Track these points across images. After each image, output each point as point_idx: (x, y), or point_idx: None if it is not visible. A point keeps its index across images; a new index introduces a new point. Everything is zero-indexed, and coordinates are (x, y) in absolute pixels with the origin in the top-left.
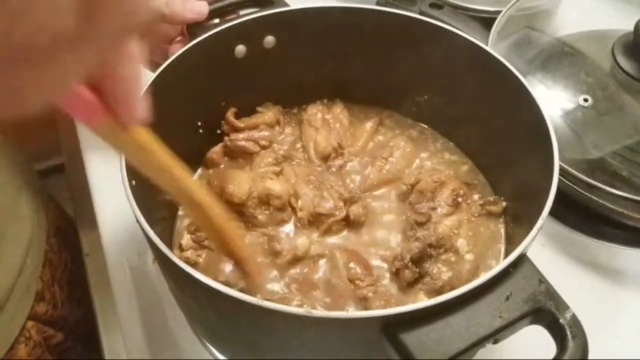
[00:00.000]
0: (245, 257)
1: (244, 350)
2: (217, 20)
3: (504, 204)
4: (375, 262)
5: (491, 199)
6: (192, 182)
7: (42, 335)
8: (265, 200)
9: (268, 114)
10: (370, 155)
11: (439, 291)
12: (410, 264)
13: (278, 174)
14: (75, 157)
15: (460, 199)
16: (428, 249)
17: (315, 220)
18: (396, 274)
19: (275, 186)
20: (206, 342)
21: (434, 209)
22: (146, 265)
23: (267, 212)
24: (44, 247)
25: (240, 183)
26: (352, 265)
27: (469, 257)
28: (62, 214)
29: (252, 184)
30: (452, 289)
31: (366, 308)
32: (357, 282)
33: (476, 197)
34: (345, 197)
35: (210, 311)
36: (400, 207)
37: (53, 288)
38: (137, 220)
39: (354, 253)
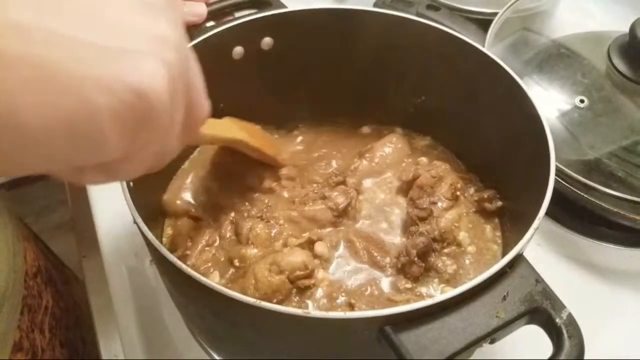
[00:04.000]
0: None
1: (241, 350)
2: (212, 23)
3: (499, 203)
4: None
5: (485, 195)
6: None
7: None
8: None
9: None
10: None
11: (447, 283)
12: (416, 259)
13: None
14: None
15: (458, 193)
16: (433, 243)
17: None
18: (402, 270)
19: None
20: (203, 343)
21: (434, 203)
22: (143, 266)
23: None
24: (21, 293)
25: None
26: (370, 249)
27: (471, 249)
28: (42, 251)
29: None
30: (457, 281)
31: (393, 288)
32: (380, 263)
33: (472, 190)
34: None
35: (207, 312)
36: (397, 203)
37: (33, 335)
38: (135, 221)
39: (369, 237)
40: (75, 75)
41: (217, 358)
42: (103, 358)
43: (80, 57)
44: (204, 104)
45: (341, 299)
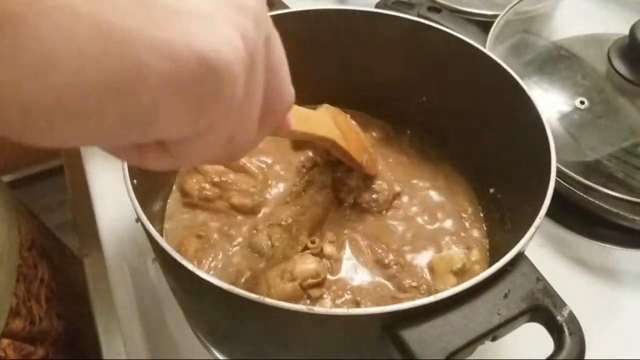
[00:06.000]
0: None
1: (244, 349)
2: None
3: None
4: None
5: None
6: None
7: (20, 353)
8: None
9: None
10: None
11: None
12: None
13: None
14: (74, 158)
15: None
16: None
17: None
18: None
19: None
20: (206, 342)
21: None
22: (146, 265)
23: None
24: (16, 262)
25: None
26: (373, 247)
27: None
28: (37, 227)
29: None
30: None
31: (398, 287)
32: (384, 261)
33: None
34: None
35: (211, 310)
36: None
37: (29, 303)
38: (140, 219)
39: (374, 236)
40: (127, 32)
41: (220, 357)
42: (105, 358)
43: (137, 14)
44: (288, 91)
45: (347, 297)
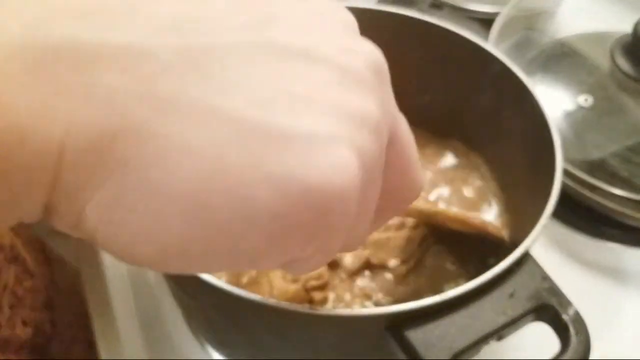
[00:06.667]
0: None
1: (245, 350)
2: None
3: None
4: None
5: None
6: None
7: None
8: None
9: None
10: None
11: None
12: None
13: None
14: None
15: None
16: None
17: None
18: None
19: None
20: (206, 344)
21: None
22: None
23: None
24: None
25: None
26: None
27: None
28: (9, 231)
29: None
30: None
31: None
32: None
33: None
34: None
35: (212, 311)
36: None
37: None
38: None
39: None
40: (242, 167)
41: (220, 358)
42: (102, 359)
43: (253, 146)
44: (415, 184)
45: (356, 291)
